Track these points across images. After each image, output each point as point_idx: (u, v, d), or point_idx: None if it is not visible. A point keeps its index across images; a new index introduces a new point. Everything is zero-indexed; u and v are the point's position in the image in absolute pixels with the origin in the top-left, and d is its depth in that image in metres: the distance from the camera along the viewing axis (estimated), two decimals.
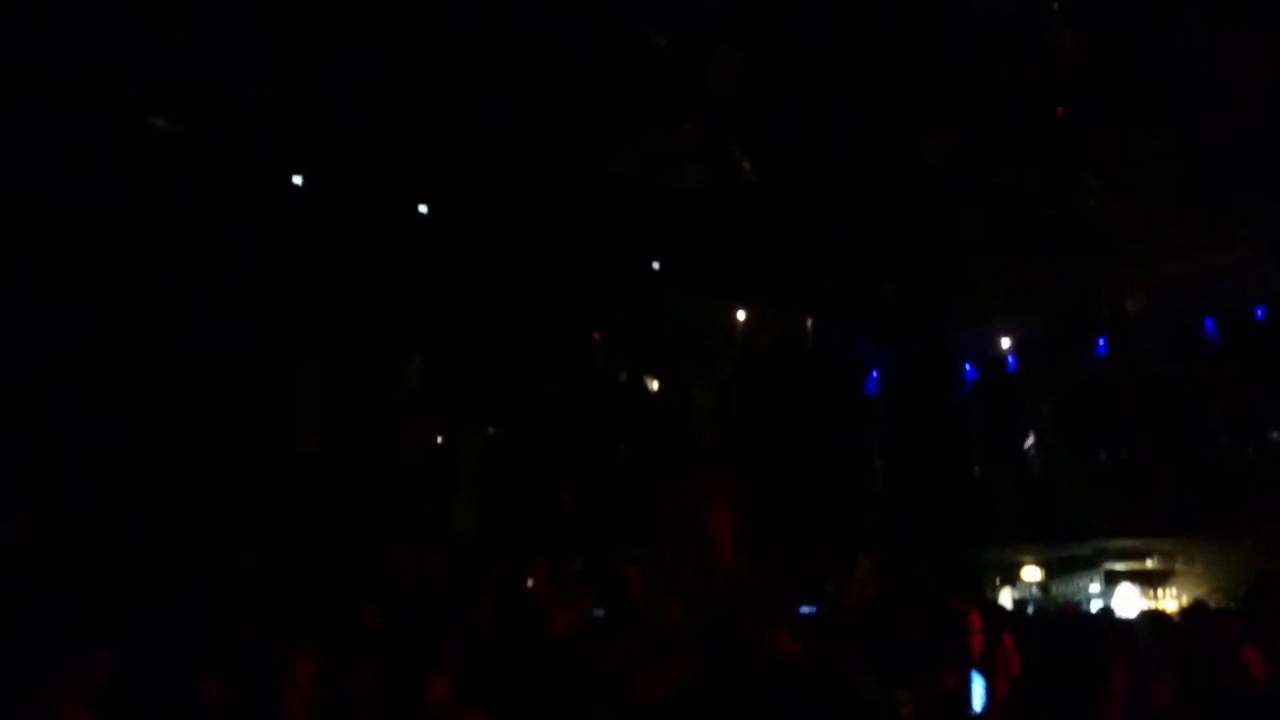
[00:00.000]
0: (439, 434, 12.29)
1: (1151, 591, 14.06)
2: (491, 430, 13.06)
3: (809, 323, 13.34)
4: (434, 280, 10.84)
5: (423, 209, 10.47)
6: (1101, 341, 13.71)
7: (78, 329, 9.02)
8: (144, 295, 9.32)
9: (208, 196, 9.28)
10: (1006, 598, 14.91)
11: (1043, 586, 14.92)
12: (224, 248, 9.56)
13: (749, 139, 9.85)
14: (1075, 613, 12.16)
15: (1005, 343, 14.55)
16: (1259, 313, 12.98)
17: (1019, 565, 15.29)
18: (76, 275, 8.86)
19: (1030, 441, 14.80)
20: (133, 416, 9.23)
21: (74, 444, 8.60)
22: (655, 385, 13.38)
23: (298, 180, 9.83)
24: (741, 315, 13.19)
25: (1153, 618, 8.23)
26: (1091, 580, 14.64)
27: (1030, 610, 13.80)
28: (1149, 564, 14.41)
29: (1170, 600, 13.58)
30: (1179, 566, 14.21)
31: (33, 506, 8.54)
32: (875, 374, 15.36)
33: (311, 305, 10.12)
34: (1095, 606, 13.74)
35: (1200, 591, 13.01)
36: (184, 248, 9.39)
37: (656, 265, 11.81)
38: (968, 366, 14.93)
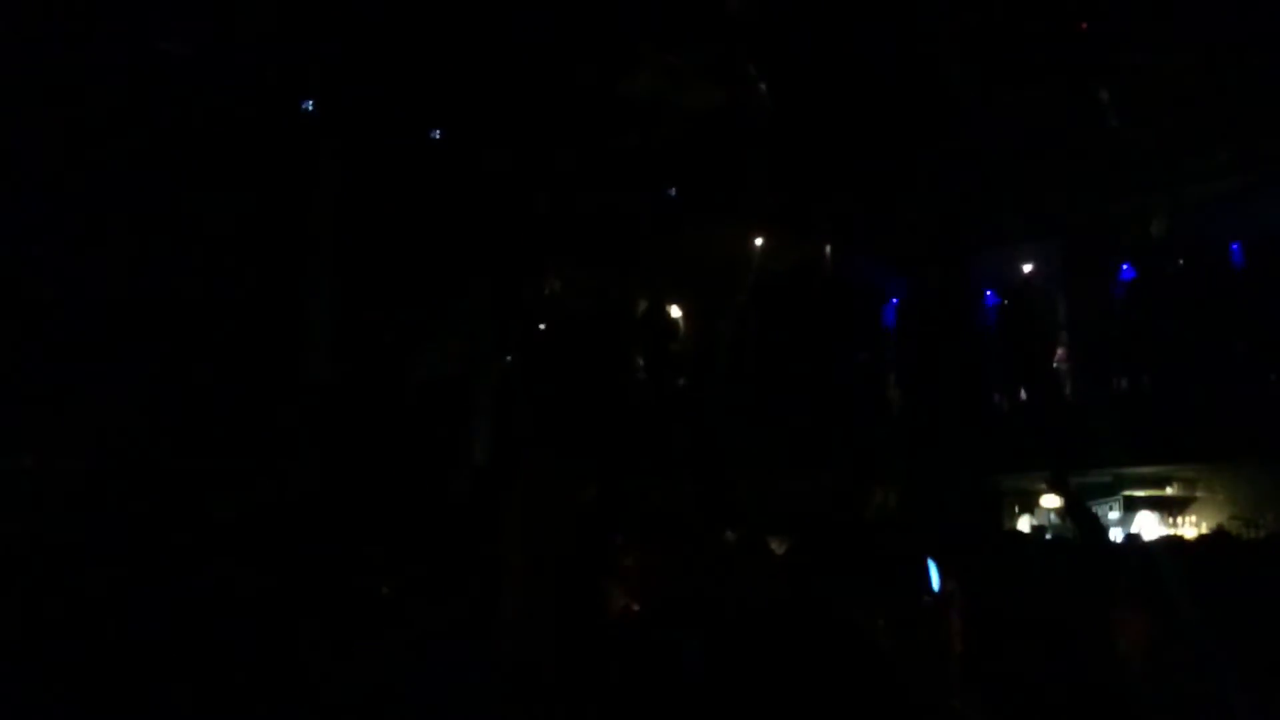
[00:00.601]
0: (456, 360, 12.30)
1: (1171, 518, 14.00)
2: (509, 358, 13.06)
3: (827, 250, 13.20)
4: (449, 205, 10.76)
5: (436, 133, 10.37)
6: (1125, 266, 13.50)
7: (96, 254, 9.03)
8: (159, 220, 9.31)
9: (222, 120, 9.22)
10: (1025, 524, 14.88)
11: (1060, 514, 14.87)
12: (238, 172, 9.52)
13: (766, 60, 9.67)
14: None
15: (1027, 268, 14.37)
16: None
17: (1037, 493, 15.23)
18: (94, 199, 8.85)
19: (1052, 367, 14.67)
20: (151, 343, 9.26)
21: (92, 369, 8.65)
22: (674, 312, 13.32)
23: (309, 105, 9.74)
24: (759, 242, 13.06)
25: (1171, 544, 8.22)
26: (1110, 507, 14.56)
27: (1048, 537, 13.77)
28: (1169, 491, 14.33)
29: (1189, 527, 13.53)
30: (1199, 493, 14.14)
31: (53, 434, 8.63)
32: (895, 301, 15.22)
33: (326, 231, 10.08)
34: (1114, 533, 13.70)
35: (1221, 518, 12.96)
36: (200, 172, 9.35)
37: (673, 191, 11.68)
38: (988, 293, 14.76)
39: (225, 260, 9.28)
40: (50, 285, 8.95)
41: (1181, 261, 13.04)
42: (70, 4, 8.47)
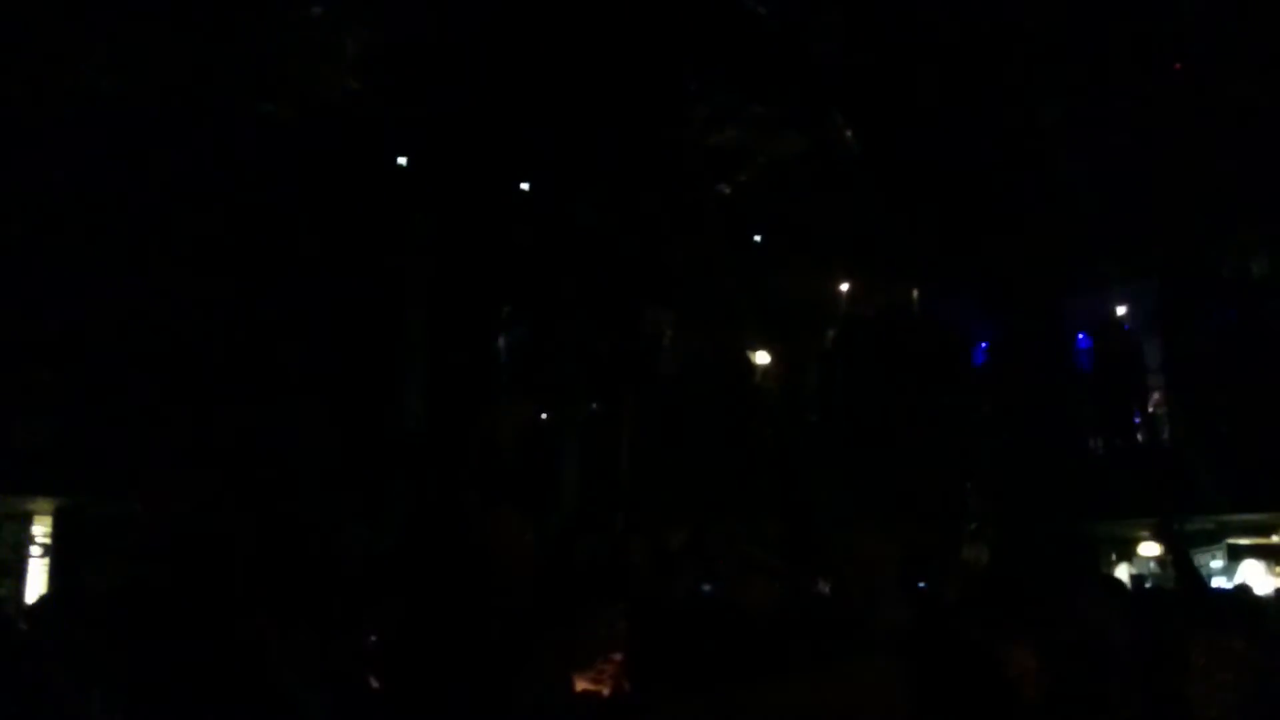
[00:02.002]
0: (541, 410, 12.42)
1: (1278, 567, 13.53)
2: (594, 406, 13.14)
3: (915, 293, 13.09)
4: (537, 259, 10.92)
5: (524, 186, 10.55)
6: (1221, 307, 13.19)
7: (198, 320, 9.32)
8: (254, 280, 9.58)
9: (316, 179, 9.49)
10: (1124, 573, 14.48)
11: (1161, 562, 14.45)
12: (333, 230, 9.77)
13: (853, 106, 9.70)
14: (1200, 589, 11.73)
15: (1120, 310, 14.09)
16: None
17: (1136, 540, 14.84)
18: (191, 264, 9.15)
19: (1148, 412, 14.33)
20: (244, 401, 9.50)
21: (199, 416, 8.89)
22: (762, 358, 13.29)
23: (402, 161, 9.98)
24: (846, 286, 13.02)
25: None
26: (1214, 556, 14.13)
27: (1148, 585, 13.39)
28: (1275, 539, 13.86)
29: None
30: None
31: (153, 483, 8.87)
32: (984, 345, 15.00)
33: (420, 283, 10.28)
34: (1218, 582, 13.26)
35: None
36: (295, 232, 9.61)
37: (759, 238, 11.72)
38: (1081, 335, 14.49)
39: (326, 310, 9.52)
40: (160, 335, 9.25)
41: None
42: (177, 58, 8.80)
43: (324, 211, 9.66)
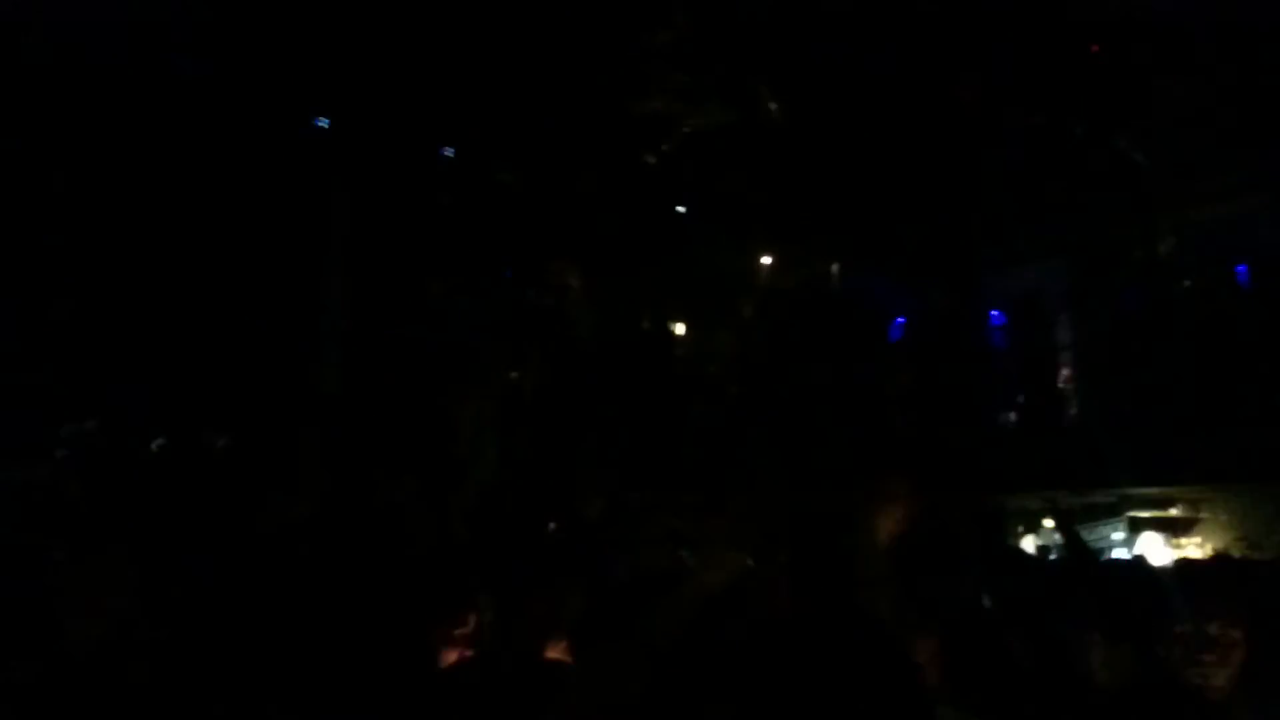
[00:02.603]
0: (462, 380, 12.29)
1: (1175, 540, 13.99)
2: (514, 375, 13.05)
3: (834, 267, 13.22)
4: (458, 223, 10.79)
5: (448, 150, 10.40)
6: (1128, 287, 13.54)
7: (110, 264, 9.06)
8: (174, 233, 9.34)
9: (237, 135, 9.25)
10: (1029, 545, 14.86)
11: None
12: (252, 187, 9.55)
13: (776, 78, 9.71)
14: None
15: (1034, 288, 14.40)
16: None
17: (1040, 513, 15.23)
18: (108, 211, 8.88)
19: (1057, 388, 14.69)
20: (162, 355, 9.27)
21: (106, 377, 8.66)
22: (681, 329, 13.31)
23: (324, 122, 9.78)
24: (767, 260, 13.09)
25: (1183, 566, 8.22)
26: (1115, 528, 14.57)
27: (1052, 557, 13.75)
28: (1173, 512, 14.33)
29: (1194, 549, 13.52)
30: (1203, 515, 14.13)
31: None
32: (901, 320, 15.24)
33: (338, 245, 10.10)
34: (1118, 553, 13.69)
35: (1225, 540, 12.95)
36: (215, 187, 9.38)
37: (682, 209, 11.71)
38: (995, 312, 14.79)
39: (239, 274, 9.31)
40: (62, 293, 8.97)
41: (1188, 282, 13.07)
42: (88, 12, 8.50)
43: (245, 172, 9.43)
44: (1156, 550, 13.60)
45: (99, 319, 8.92)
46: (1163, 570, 8.13)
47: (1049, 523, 15.20)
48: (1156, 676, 3.89)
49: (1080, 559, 5.40)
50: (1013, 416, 15.38)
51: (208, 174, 9.06)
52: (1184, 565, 8.84)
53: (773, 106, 9.65)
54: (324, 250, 10.04)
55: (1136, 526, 14.42)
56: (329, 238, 10.07)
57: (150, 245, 9.20)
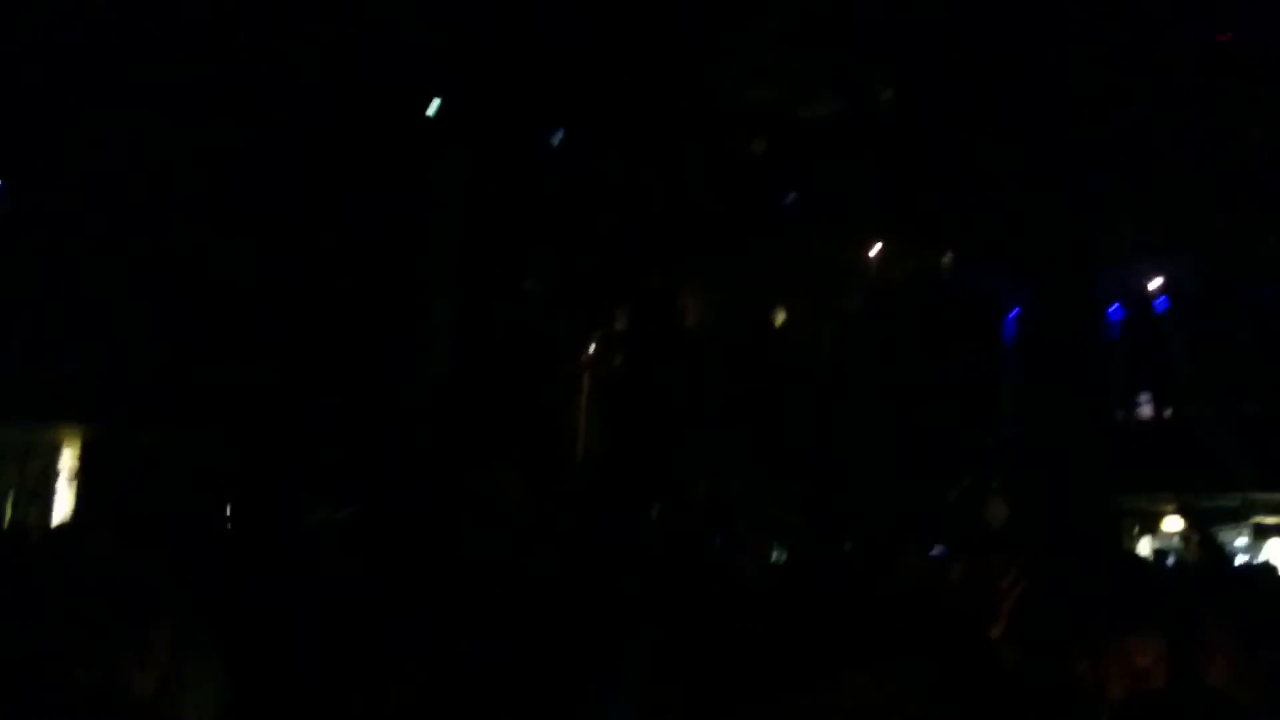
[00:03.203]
0: (570, 361, 12.42)
1: None
2: (618, 360, 13.13)
3: (947, 257, 12.93)
4: (566, 208, 10.84)
5: (559, 135, 10.44)
6: (1258, 285, 12.99)
7: (227, 260, 9.35)
8: (288, 218, 9.58)
9: (348, 120, 9.43)
10: (1145, 547, 14.41)
11: (1184, 538, 14.35)
12: (364, 172, 9.73)
13: (891, 67, 9.52)
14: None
15: (1157, 282, 13.88)
16: None
17: (1159, 515, 14.76)
18: (222, 205, 9.15)
19: (1178, 386, 14.18)
20: (269, 343, 9.54)
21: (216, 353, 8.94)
22: (789, 319, 13.20)
23: (434, 107, 9.90)
24: (877, 249, 12.87)
25: None
26: (1238, 533, 14.04)
27: (1170, 561, 13.31)
28: None
29: None
30: None
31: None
32: (1014, 312, 14.84)
33: (447, 232, 10.24)
34: (1241, 561, 13.17)
35: None
36: (327, 172, 9.58)
37: (793, 196, 11.57)
38: (1114, 306, 14.30)
39: (351, 259, 9.51)
40: (190, 275, 9.28)
41: None
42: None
43: (354, 157, 9.62)
44: None
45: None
46: None
47: (1169, 525, 14.74)
48: None
49: (1216, 563, 5.21)
50: (1131, 414, 14.91)
51: (321, 162, 9.27)
52: None
53: (885, 95, 9.45)
54: (433, 237, 10.20)
55: (1262, 533, 13.89)
56: (438, 224, 10.22)
57: (267, 227, 9.46)
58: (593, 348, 12.23)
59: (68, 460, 11.00)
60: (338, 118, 9.12)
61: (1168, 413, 14.66)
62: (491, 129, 9.96)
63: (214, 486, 8.68)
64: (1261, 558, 13.26)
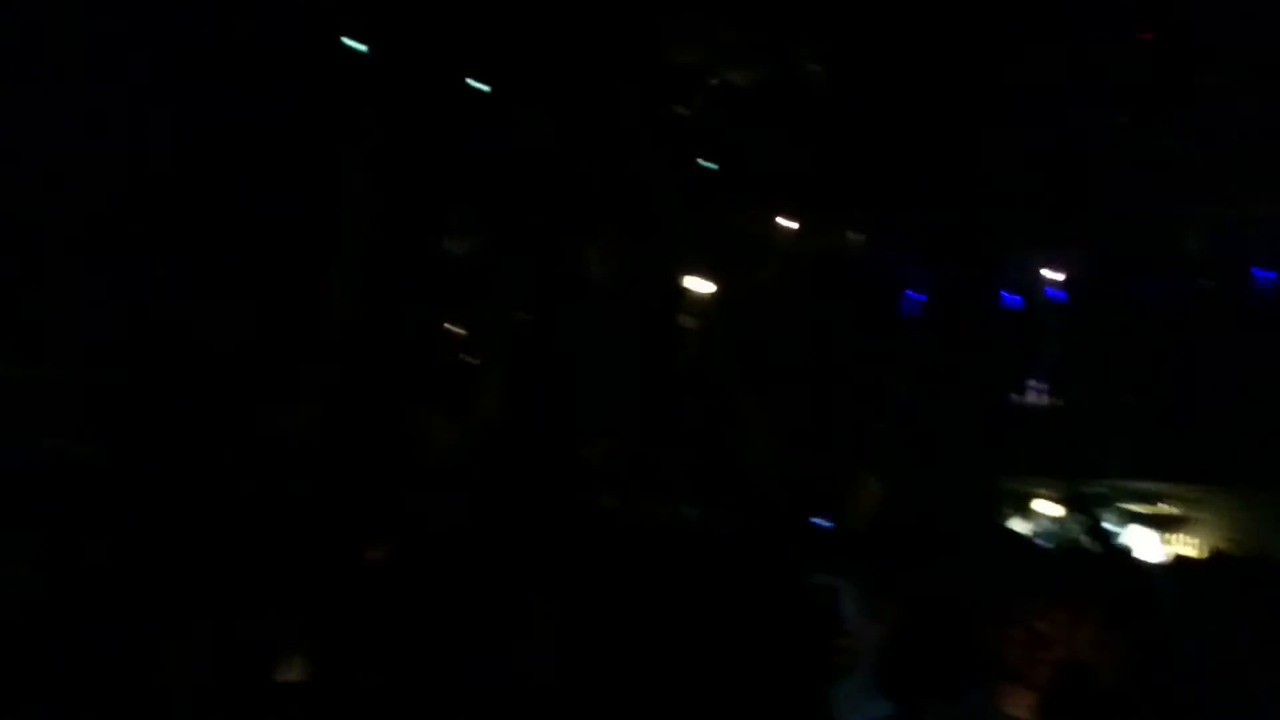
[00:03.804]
0: (475, 316, 12.27)
1: (1166, 535, 14.08)
2: (525, 316, 13.01)
3: (856, 238, 13.15)
4: (485, 162, 10.68)
5: (482, 87, 10.26)
6: (1148, 281, 13.52)
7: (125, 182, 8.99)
8: (194, 143, 9.25)
9: (263, 52, 9.13)
10: (1020, 528, 14.95)
11: (1058, 521, 14.95)
12: (276, 103, 9.44)
13: (819, 38, 9.59)
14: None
15: (1051, 274, 14.35)
16: None
17: (1032, 497, 15.31)
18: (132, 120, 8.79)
19: (1061, 375, 14.71)
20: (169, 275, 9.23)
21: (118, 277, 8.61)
22: (696, 287, 13.25)
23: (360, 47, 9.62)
24: (789, 224, 13.01)
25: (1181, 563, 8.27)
26: (1105, 518, 14.66)
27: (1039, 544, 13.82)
28: (1164, 508, 14.41)
29: (1185, 546, 13.61)
30: (1195, 513, 14.22)
31: None
32: (918, 295, 15.19)
33: (362, 178, 9.99)
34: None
35: (1216, 539, 13.03)
36: (238, 101, 9.28)
37: (710, 165, 11.58)
38: (1011, 296, 14.75)
39: (260, 193, 9.22)
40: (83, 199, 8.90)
41: (1206, 282, 13.05)
42: None
43: (270, 90, 9.31)
44: (1145, 543, 13.70)
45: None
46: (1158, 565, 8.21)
47: (1041, 508, 15.32)
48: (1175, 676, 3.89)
49: (1107, 549, 5.44)
50: (1015, 399, 15.41)
51: (238, 89, 8.95)
52: (1182, 562, 8.90)
53: (813, 68, 9.52)
54: (348, 177, 9.94)
55: (1125, 519, 14.51)
56: (354, 164, 9.96)
57: (174, 154, 9.11)
58: (500, 305, 12.10)
59: None
60: (266, 57, 8.81)
61: (1047, 400, 15.19)
62: (418, 71, 9.74)
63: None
64: (1124, 541, 13.89)
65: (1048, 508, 15.23)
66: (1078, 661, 3.23)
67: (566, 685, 3.75)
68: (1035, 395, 15.36)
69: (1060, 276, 14.31)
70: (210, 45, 9.11)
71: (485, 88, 10.16)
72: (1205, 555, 12.13)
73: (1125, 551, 12.04)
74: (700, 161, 11.58)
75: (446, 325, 11.92)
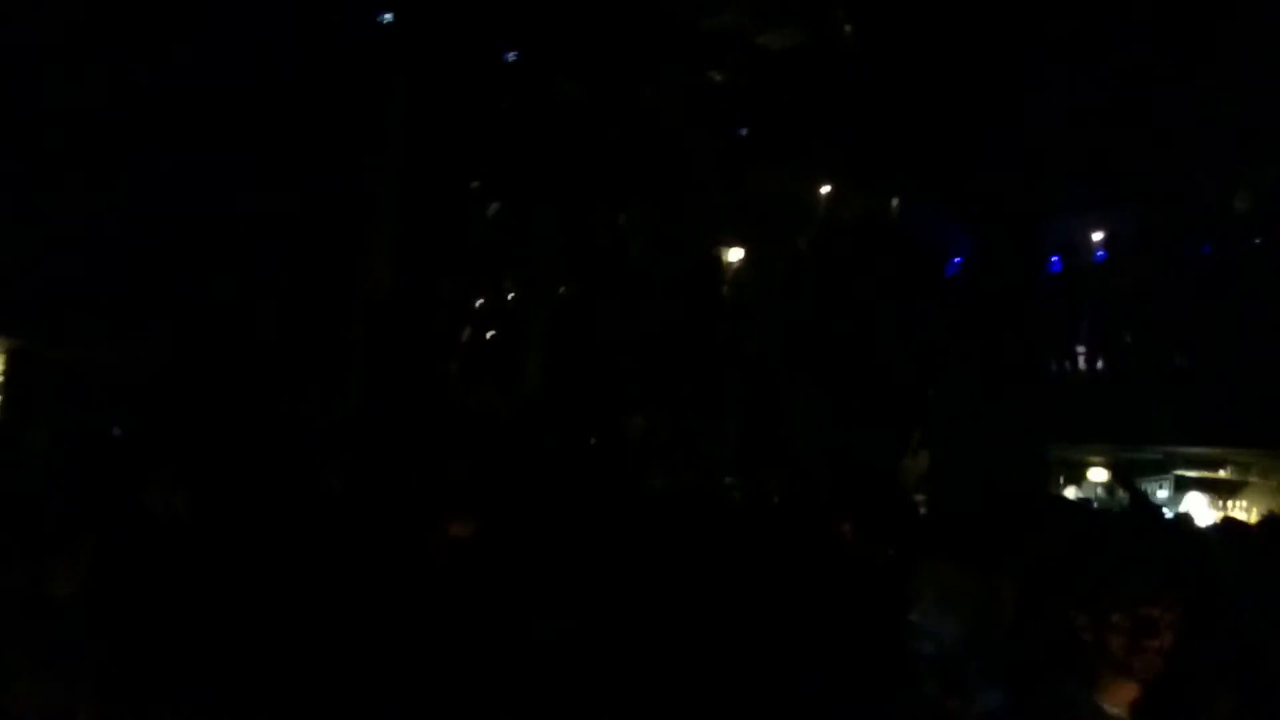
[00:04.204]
0: (511, 289, 12.26)
1: (1221, 501, 13.79)
2: (562, 289, 13.00)
3: (895, 203, 12.94)
4: (518, 132, 10.63)
5: (511, 55, 10.20)
6: (1197, 241, 13.19)
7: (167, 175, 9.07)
8: (227, 138, 9.30)
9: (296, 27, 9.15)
10: (1070, 495, 14.73)
11: (1108, 488, 14.71)
12: (308, 90, 9.46)
13: (853, 4, 9.42)
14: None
15: (1097, 235, 14.04)
16: None
17: (1086, 464, 15.07)
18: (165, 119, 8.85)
19: (1112, 339, 14.41)
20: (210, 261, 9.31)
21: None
22: (734, 255, 13.15)
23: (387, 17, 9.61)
24: (825, 190, 12.83)
25: (1229, 526, 8.06)
26: (1160, 485, 14.39)
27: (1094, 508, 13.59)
28: (1222, 473, 14.12)
29: (1240, 511, 13.32)
30: (1253, 479, 13.91)
31: None
32: (958, 260, 14.94)
33: (396, 144, 9.99)
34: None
35: (1273, 505, 12.75)
36: (269, 89, 9.31)
37: (745, 131, 11.45)
38: (1054, 258, 14.45)
39: (298, 172, 9.26)
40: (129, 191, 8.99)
41: (1259, 240, 12.70)
42: None
43: (301, 67, 9.32)
44: (1202, 511, 13.43)
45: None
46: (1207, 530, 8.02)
47: (1094, 475, 15.07)
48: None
49: (1146, 515, 5.28)
50: (1065, 365, 15.13)
51: (267, 71, 8.97)
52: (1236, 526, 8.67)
53: (846, 29, 9.35)
54: (381, 149, 9.94)
55: (1182, 485, 14.25)
56: (386, 136, 9.95)
57: (208, 140, 9.16)
58: (536, 277, 12.08)
59: None
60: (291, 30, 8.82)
61: (1098, 365, 14.91)
62: (447, 42, 9.69)
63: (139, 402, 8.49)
64: (1181, 509, 13.61)
65: (1100, 475, 15.01)
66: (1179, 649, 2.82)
67: (603, 658, 3.72)
68: (1085, 360, 15.08)
69: (1103, 237, 14.00)
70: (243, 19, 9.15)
71: (515, 55, 10.10)
72: (1259, 520, 11.84)
73: (1186, 520, 11.81)
74: (736, 128, 11.44)
75: (481, 300, 11.93)
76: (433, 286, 10.47)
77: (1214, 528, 7.80)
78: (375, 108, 9.76)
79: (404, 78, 9.73)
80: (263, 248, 9.44)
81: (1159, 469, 14.34)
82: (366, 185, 9.95)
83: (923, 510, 9.72)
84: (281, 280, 9.44)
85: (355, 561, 3.96)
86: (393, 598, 3.71)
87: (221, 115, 9.31)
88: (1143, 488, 14.30)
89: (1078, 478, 15.03)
